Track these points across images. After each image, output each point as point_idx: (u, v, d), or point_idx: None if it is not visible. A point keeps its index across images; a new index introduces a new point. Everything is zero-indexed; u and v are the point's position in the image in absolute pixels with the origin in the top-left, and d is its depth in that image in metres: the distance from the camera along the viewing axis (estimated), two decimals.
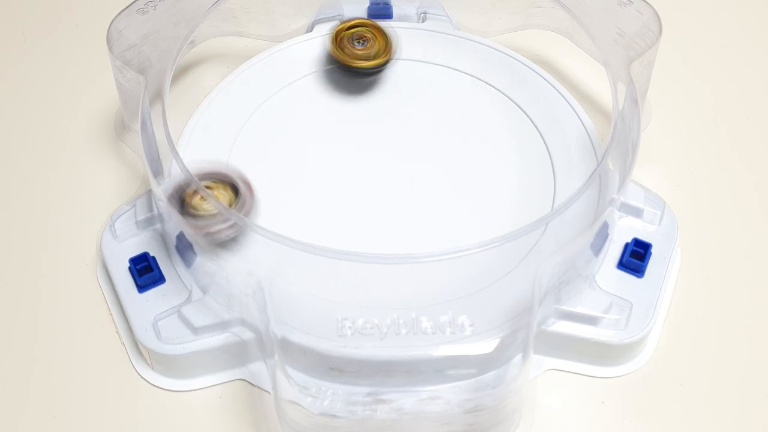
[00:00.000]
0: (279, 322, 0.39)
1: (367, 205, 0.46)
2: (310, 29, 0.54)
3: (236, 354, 0.42)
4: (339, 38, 0.50)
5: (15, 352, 0.44)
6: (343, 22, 0.50)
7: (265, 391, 0.42)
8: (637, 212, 0.46)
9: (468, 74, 0.51)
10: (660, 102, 0.52)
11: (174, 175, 0.42)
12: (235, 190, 0.43)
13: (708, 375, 0.43)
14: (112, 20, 0.47)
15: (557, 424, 0.42)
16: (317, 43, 0.52)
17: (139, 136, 0.44)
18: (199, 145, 0.47)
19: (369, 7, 0.54)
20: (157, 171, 0.43)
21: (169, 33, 0.47)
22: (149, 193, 0.46)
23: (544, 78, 0.50)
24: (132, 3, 0.48)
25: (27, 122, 0.53)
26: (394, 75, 0.51)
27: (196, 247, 0.41)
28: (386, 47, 0.50)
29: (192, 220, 0.40)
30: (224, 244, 0.41)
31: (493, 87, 0.50)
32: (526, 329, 0.39)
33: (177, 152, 0.43)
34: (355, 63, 0.49)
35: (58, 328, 0.45)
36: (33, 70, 0.55)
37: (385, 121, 0.49)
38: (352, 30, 0.50)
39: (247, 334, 0.41)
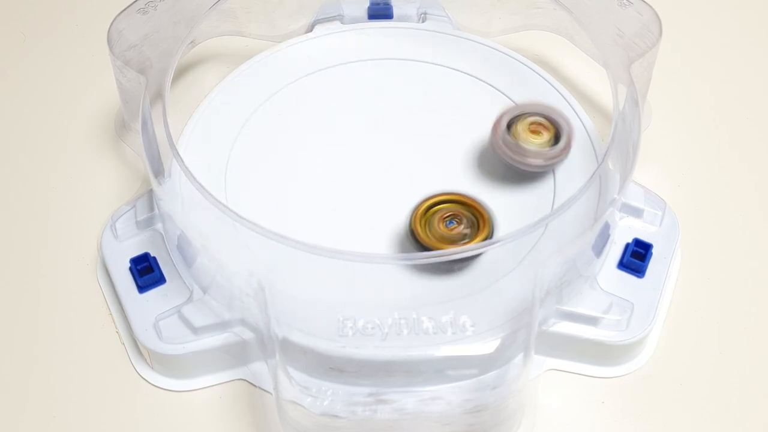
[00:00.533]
0: (280, 322, 0.39)
1: (368, 204, 0.46)
2: (310, 29, 0.54)
3: (237, 354, 0.42)
4: (426, 215, 0.43)
5: (15, 352, 0.44)
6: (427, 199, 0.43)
7: (266, 391, 0.42)
8: (637, 213, 0.46)
9: (468, 74, 0.51)
10: (660, 102, 0.52)
11: (519, 103, 0.45)
12: (558, 134, 0.44)
13: (708, 375, 0.43)
14: (113, 20, 0.47)
15: (557, 424, 0.42)
16: (317, 43, 0.53)
17: (139, 136, 0.44)
18: (199, 144, 0.47)
19: (369, 7, 0.54)
20: (158, 171, 0.43)
21: (170, 33, 0.47)
22: (150, 192, 0.46)
23: (544, 78, 0.50)
24: (132, 3, 0.48)
25: (27, 122, 0.53)
26: (394, 75, 0.51)
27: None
28: (481, 224, 0.42)
29: (513, 145, 0.43)
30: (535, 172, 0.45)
31: (493, 87, 0.50)
32: (527, 329, 0.39)
33: (178, 152, 0.43)
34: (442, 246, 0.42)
35: (58, 328, 0.45)
36: (33, 70, 0.55)
37: (386, 122, 0.49)
38: (440, 206, 0.43)
39: (248, 334, 0.41)
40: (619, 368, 0.43)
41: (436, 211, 0.43)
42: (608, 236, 0.44)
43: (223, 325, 0.42)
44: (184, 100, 0.51)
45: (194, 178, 0.41)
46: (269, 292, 0.39)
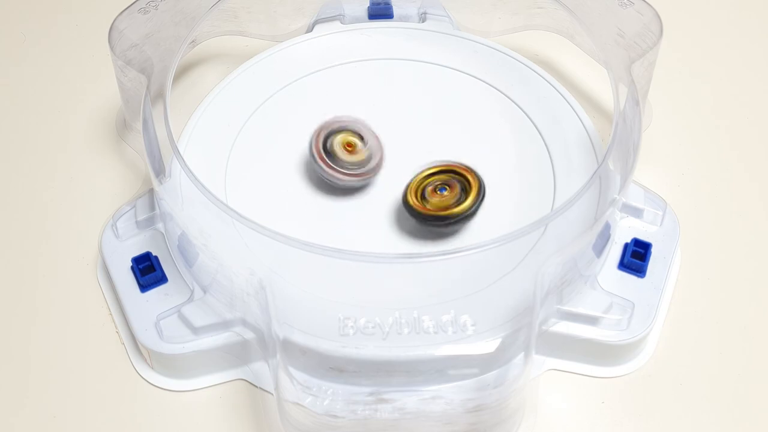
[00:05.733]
0: (281, 321, 0.39)
1: (368, 204, 0.46)
2: (311, 29, 0.54)
3: (237, 354, 0.42)
4: (419, 188, 0.44)
5: (15, 352, 0.44)
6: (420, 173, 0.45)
7: (266, 391, 0.42)
8: (637, 212, 0.46)
9: (468, 74, 0.51)
10: (660, 102, 0.52)
11: (328, 122, 0.46)
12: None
13: (708, 375, 0.43)
14: (114, 20, 0.47)
15: (557, 424, 0.42)
16: (317, 43, 0.53)
17: (140, 135, 0.44)
18: (199, 144, 0.47)
19: (369, 7, 0.54)
20: (159, 170, 0.43)
21: (171, 33, 0.47)
22: (150, 192, 0.46)
23: (544, 78, 0.51)
24: (133, 3, 0.48)
25: (27, 122, 0.53)
26: (394, 75, 0.51)
27: None
28: (471, 188, 0.44)
29: (330, 163, 0.45)
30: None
31: (493, 87, 0.51)
32: (528, 329, 0.39)
33: (178, 151, 0.43)
34: (441, 213, 0.43)
35: (58, 328, 0.45)
36: (33, 69, 0.55)
37: (386, 121, 0.49)
38: (433, 177, 0.44)
39: (249, 334, 0.41)
40: (619, 368, 0.43)
41: (428, 183, 0.44)
42: (609, 236, 0.44)
43: (223, 325, 0.42)
44: (185, 99, 0.51)
45: (195, 177, 0.41)
46: (270, 292, 0.39)
